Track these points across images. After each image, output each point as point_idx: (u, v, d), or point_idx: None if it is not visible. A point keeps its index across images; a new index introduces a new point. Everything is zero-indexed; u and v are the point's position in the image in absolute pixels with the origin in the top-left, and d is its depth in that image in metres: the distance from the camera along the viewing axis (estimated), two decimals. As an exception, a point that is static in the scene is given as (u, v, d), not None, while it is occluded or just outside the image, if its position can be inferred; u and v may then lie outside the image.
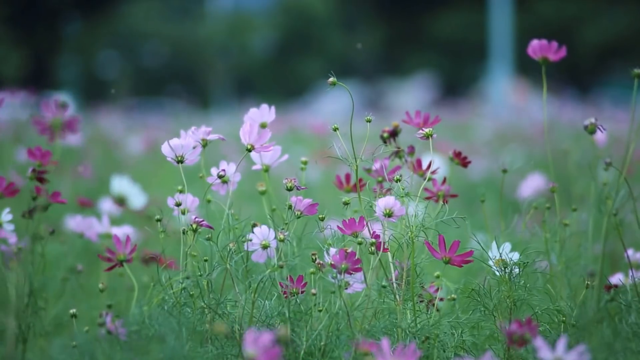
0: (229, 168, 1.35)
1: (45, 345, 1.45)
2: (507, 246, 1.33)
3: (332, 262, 1.25)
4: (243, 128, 1.32)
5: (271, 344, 1.01)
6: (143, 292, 1.32)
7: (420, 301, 1.33)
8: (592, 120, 1.39)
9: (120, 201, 1.82)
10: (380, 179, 1.42)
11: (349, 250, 1.25)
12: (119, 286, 1.97)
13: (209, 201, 1.38)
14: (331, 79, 1.29)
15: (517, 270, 1.31)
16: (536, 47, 1.43)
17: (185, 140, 1.32)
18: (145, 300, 1.27)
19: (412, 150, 1.47)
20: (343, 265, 1.23)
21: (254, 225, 1.31)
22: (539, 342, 1.09)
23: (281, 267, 1.27)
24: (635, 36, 16.28)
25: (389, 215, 1.28)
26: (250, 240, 1.29)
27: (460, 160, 1.47)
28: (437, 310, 1.36)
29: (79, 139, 3.65)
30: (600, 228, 1.35)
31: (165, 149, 1.31)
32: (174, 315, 1.24)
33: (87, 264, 2.04)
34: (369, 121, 1.31)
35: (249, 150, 1.33)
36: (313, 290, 1.26)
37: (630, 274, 1.34)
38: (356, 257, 1.25)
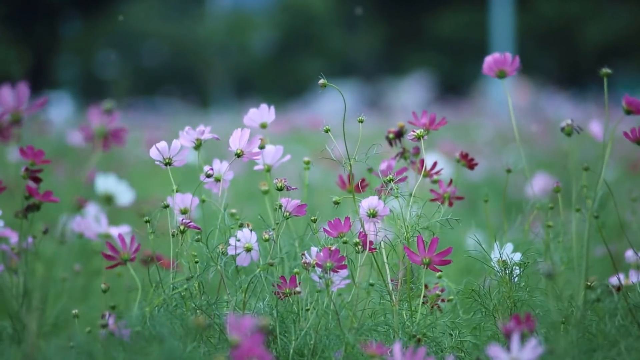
0: (222, 166, 1.35)
1: (42, 346, 1.44)
2: (508, 247, 1.32)
3: (317, 261, 1.24)
4: (234, 135, 1.32)
5: (254, 329, 1.00)
6: (139, 292, 1.31)
7: (424, 302, 1.32)
8: (569, 121, 1.39)
9: (108, 200, 1.81)
10: (385, 179, 1.41)
11: (333, 248, 1.24)
12: (117, 287, 1.96)
13: (203, 201, 1.37)
14: (321, 81, 1.28)
15: (517, 270, 1.30)
16: (490, 62, 1.40)
17: (174, 142, 1.32)
18: (147, 301, 1.26)
19: (417, 151, 1.45)
20: (328, 264, 1.22)
21: (241, 226, 1.31)
22: (493, 350, 1.07)
23: (271, 265, 1.27)
24: (636, 35, 16.27)
25: (373, 215, 1.27)
26: (232, 244, 1.29)
27: (467, 161, 1.46)
28: (440, 310, 1.35)
29: (80, 138, 3.63)
30: (603, 229, 1.34)
31: (153, 152, 1.31)
32: (175, 316, 1.24)
33: (84, 265, 2.03)
34: (361, 121, 1.31)
35: (238, 156, 1.32)
36: (297, 289, 1.26)
37: (618, 276, 1.33)
38: (340, 255, 1.24)
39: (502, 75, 1.41)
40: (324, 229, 1.29)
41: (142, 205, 2.61)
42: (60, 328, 1.66)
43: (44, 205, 1.34)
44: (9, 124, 1.19)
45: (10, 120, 1.19)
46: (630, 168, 3.34)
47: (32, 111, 1.21)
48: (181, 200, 1.36)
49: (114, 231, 1.75)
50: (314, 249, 1.29)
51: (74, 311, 1.34)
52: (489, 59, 1.41)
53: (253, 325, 1.00)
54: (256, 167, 1.44)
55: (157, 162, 1.32)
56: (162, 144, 1.31)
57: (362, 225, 1.30)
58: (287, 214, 1.29)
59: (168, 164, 1.31)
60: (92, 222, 1.75)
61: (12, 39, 15.48)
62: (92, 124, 1.20)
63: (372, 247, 1.28)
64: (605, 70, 1.31)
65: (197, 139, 1.35)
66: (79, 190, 1.31)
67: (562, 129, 1.38)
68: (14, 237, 1.39)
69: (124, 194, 1.80)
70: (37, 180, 1.33)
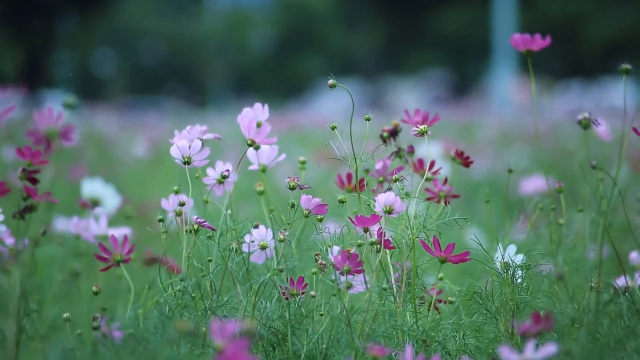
0: (226, 168, 1.33)
1: (40, 348, 1.42)
2: (511, 248, 1.30)
3: (334, 264, 1.22)
4: (242, 123, 1.30)
5: (238, 335, 0.99)
6: (140, 294, 1.29)
7: (422, 303, 1.30)
8: (586, 114, 1.36)
9: (94, 203, 1.78)
10: (381, 179, 1.39)
11: (352, 251, 1.22)
12: (117, 288, 1.94)
13: (206, 202, 1.35)
14: (331, 81, 1.26)
15: (520, 272, 1.28)
16: (518, 39, 1.41)
17: (196, 142, 1.32)
18: (140, 303, 1.24)
19: (412, 150, 1.44)
20: (346, 267, 1.20)
21: (256, 226, 1.29)
22: (503, 349, 1.07)
23: (281, 270, 1.25)
24: None
25: (389, 212, 1.25)
26: (250, 241, 1.27)
27: (463, 160, 1.44)
28: (439, 312, 1.34)
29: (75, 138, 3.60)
30: (610, 230, 1.32)
31: (173, 151, 1.31)
32: (168, 317, 1.22)
33: (83, 266, 2.01)
34: (368, 119, 1.29)
35: (250, 145, 1.32)
36: (312, 293, 1.24)
37: (625, 277, 1.32)
38: (359, 259, 1.22)
39: (528, 54, 1.40)
40: (350, 219, 1.26)
41: (141, 206, 2.59)
42: (57, 330, 1.64)
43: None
44: None
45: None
46: (632, 167, 3.32)
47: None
48: (182, 200, 1.33)
49: (113, 233, 1.72)
50: (336, 248, 1.26)
51: (65, 314, 1.31)
52: (516, 37, 1.41)
53: (237, 330, 0.98)
54: (251, 167, 1.42)
55: (177, 161, 1.31)
56: (183, 143, 1.31)
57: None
58: (307, 212, 1.27)
59: (187, 162, 1.31)
60: (91, 223, 1.72)
61: (7, 37, 15.44)
62: (40, 126, 1.18)
63: (391, 245, 1.27)
64: (625, 66, 1.29)
65: (199, 139, 1.33)
66: (71, 191, 1.28)
67: (579, 122, 1.35)
68: (8, 239, 1.36)
69: (110, 199, 1.78)
70: (34, 181, 1.31)
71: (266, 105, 1.39)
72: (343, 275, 1.21)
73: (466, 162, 1.45)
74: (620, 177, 1.27)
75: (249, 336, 0.99)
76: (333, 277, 1.25)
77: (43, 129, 1.17)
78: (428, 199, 1.41)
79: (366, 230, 1.25)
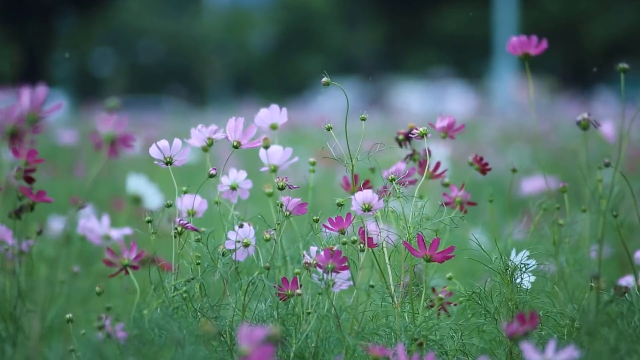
0: (240, 175, 1.32)
1: (39, 349, 1.41)
2: (524, 253, 1.29)
3: (318, 262, 1.22)
4: (228, 124, 1.29)
5: (264, 341, 1.00)
6: (138, 294, 1.28)
7: (431, 306, 1.29)
8: (585, 115, 1.35)
9: (136, 201, 1.77)
10: (390, 179, 1.38)
11: (335, 248, 1.22)
12: (115, 289, 1.93)
13: (217, 202, 1.34)
14: (324, 79, 1.25)
15: (519, 272, 1.27)
16: (515, 43, 1.39)
17: (175, 141, 1.29)
18: (146, 304, 1.23)
19: (428, 153, 1.42)
20: (329, 265, 1.20)
21: (241, 226, 1.28)
22: (526, 346, 1.07)
23: (267, 268, 1.25)
24: (642, 33, 16.24)
25: (367, 209, 1.25)
26: (231, 239, 1.27)
27: (481, 166, 1.42)
28: (447, 313, 1.33)
29: (73, 137, 3.61)
30: (608, 229, 1.31)
31: (153, 151, 1.29)
32: (174, 319, 1.21)
33: (85, 267, 2.00)
34: (364, 119, 1.28)
35: (236, 147, 1.30)
36: (298, 291, 1.24)
37: (633, 276, 1.31)
38: (342, 256, 1.21)
39: (525, 57, 1.38)
40: (324, 225, 1.26)
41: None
42: (56, 331, 1.63)
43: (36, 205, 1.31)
44: (25, 128, 1.15)
45: (27, 121, 1.15)
46: (627, 167, 3.32)
47: (48, 114, 1.17)
48: (187, 201, 1.33)
49: (115, 233, 1.71)
50: (313, 249, 1.26)
51: (68, 315, 1.30)
52: (513, 40, 1.39)
53: (264, 335, 0.98)
54: (262, 169, 1.41)
55: (157, 162, 1.29)
56: (163, 143, 1.28)
57: (364, 223, 1.27)
58: (288, 212, 1.26)
59: (169, 163, 1.28)
60: (94, 223, 1.71)
61: (5, 36, 15.43)
62: (100, 131, 1.16)
63: (373, 243, 1.26)
64: (622, 65, 1.28)
65: (209, 138, 1.31)
66: (72, 190, 1.27)
67: (578, 123, 1.34)
68: (8, 238, 1.35)
69: (153, 197, 1.77)
70: (30, 180, 1.30)
71: (284, 109, 1.37)
72: (327, 273, 1.21)
73: (484, 169, 1.43)
74: (615, 178, 1.26)
75: (275, 342, 1.00)
76: (316, 276, 1.24)
77: (103, 133, 1.16)
78: (444, 204, 1.40)
79: (342, 232, 1.25)
